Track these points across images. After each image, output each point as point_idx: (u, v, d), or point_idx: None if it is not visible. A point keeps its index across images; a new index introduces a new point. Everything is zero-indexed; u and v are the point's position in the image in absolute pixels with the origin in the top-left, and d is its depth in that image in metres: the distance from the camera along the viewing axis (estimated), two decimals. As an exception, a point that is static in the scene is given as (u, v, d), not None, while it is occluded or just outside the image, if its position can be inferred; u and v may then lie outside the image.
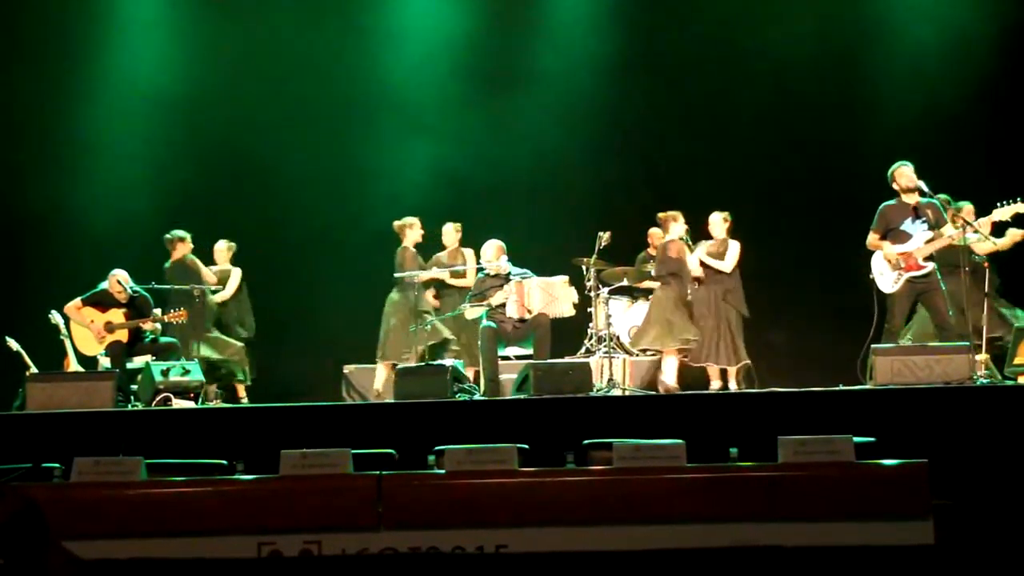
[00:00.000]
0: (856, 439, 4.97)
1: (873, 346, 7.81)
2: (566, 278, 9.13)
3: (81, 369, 9.19)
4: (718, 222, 9.60)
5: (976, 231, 8.31)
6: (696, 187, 11.11)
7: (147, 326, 9.22)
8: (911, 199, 8.41)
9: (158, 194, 11.45)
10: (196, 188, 11.51)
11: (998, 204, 8.23)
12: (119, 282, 9.10)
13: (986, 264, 8.80)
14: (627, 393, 9.02)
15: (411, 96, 11.76)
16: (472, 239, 10.14)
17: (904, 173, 8.40)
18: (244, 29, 11.75)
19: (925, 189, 8.37)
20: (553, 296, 8.89)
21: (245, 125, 11.51)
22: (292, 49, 11.78)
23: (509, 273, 9.02)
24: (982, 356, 8.16)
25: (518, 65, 11.76)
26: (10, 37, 11.51)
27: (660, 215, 9.68)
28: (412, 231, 10.11)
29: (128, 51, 11.69)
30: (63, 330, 9.34)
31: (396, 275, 9.87)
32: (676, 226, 9.58)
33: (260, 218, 11.43)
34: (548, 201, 11.48)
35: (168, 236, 10.10)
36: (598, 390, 8.48)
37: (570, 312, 9.07)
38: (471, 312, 9.09)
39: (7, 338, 9.59)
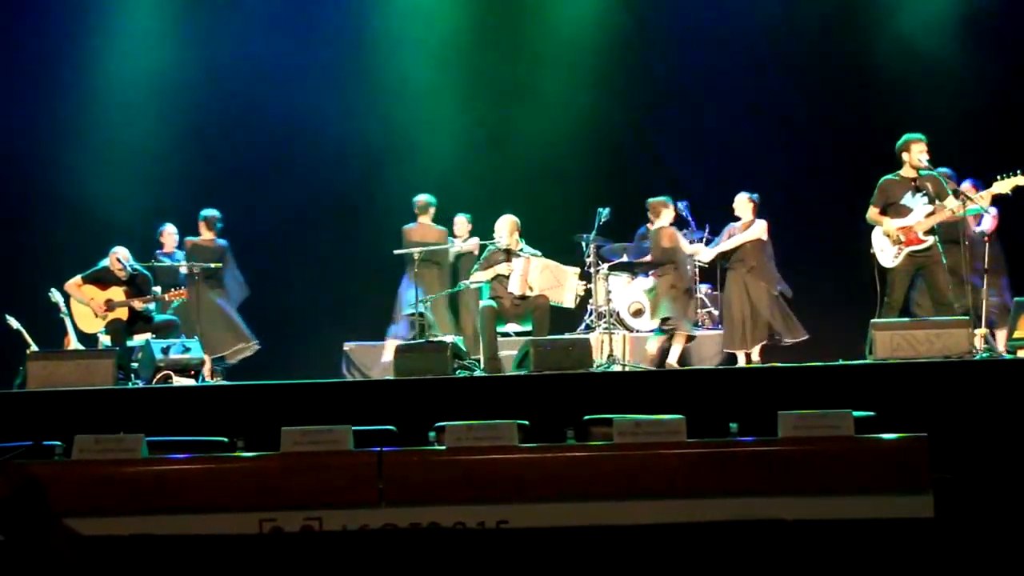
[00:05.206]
0: (856, 414, 4.98)
1: (873, 320, 7.80)
2: (578, 270, 9.05)
3: (81, 347, 9.20)
4: (743, 202, 9.55)
5: (976, 204, 8.27)
6: (698, 165, 11.10)
7: (141, 304, 9.19)
8: (911, 173, 8.35)
9: (158, 173, 11.43)
10: (196, 167, 11.50)
11: (998, 176, 8.18)
12: (119, 260, 9.09)
13: (986, 238, 8.76)
14: (627, 369, 9.02)
15: (411, 81, 11.71)
16: (475, 216, 10.16)
17: (915, 149, 8.28)
18: (253, 10, 11.69)
19: (924, 164, 8.32)
20: (559, 282, 8.82)
21: (245, 105, 11.50)
22: (294, 36, 11.74)
23: (521, 250, 9.03)
24: (981, 330, 8.15)
25: (524, 42, 11.72)
26: (15, 17, 11.46)
27: (650, 201, 9.56)
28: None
29: (132, 33, 11.63)
30: (63, 308, 9.34)
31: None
32: (667, 213, 9.53)
33: (262, 195, 11.40)
34: (548, 177, 11.46)
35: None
36: (598, 366, 8.48)
37: (570, 304, 8.95)
38: (476, 277, 9.09)
39: (7, 316, 9.59)
